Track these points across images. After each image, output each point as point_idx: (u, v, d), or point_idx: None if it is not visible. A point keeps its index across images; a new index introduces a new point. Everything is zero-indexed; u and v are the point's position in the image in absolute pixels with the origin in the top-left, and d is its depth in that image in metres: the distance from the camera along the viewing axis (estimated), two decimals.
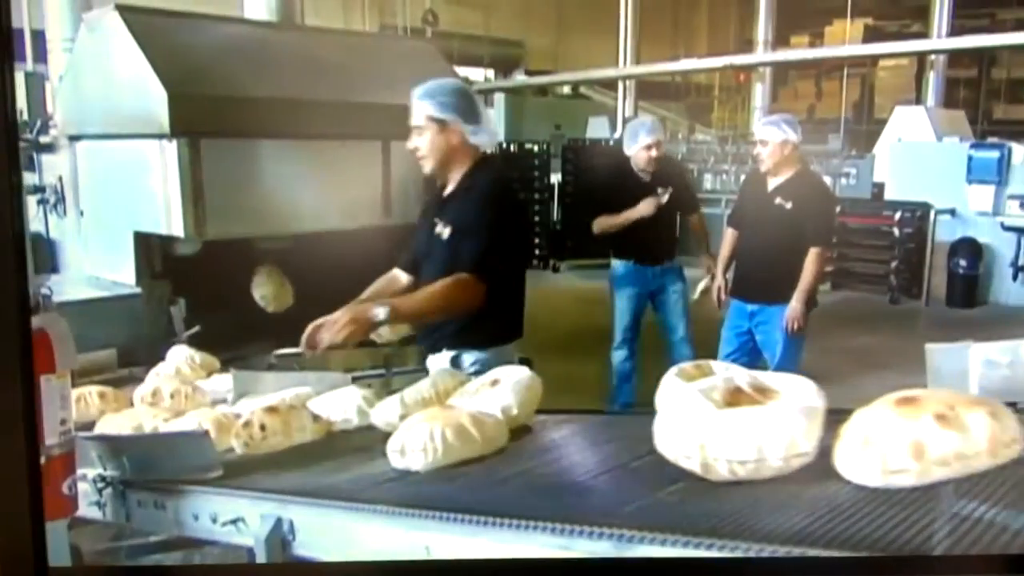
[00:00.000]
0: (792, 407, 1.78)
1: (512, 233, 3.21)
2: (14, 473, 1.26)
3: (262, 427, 2.56)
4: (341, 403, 2.81)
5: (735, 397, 1.87)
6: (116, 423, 2.87)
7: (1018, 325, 8.66)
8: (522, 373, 2.57)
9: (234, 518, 2.17)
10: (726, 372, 2.07)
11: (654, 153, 5.36)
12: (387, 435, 2.39)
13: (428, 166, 3.15)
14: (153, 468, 2.36)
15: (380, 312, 2.88)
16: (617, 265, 5.74)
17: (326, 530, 2.02)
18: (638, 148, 5.38)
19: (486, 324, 3.10)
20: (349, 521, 1.97)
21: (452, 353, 3.13)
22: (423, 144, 3.09)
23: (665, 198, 5.38)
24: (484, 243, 3.00)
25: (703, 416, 1.81)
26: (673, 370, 2.21)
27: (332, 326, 2.86)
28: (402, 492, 2.08)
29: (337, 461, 2.46)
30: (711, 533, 1.48)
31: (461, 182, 3.15)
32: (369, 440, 2.55)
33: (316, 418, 2.69)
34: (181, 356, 3.45)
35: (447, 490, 2.06)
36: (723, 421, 1.78)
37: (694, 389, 1.90)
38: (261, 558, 2.04)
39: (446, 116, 3.05)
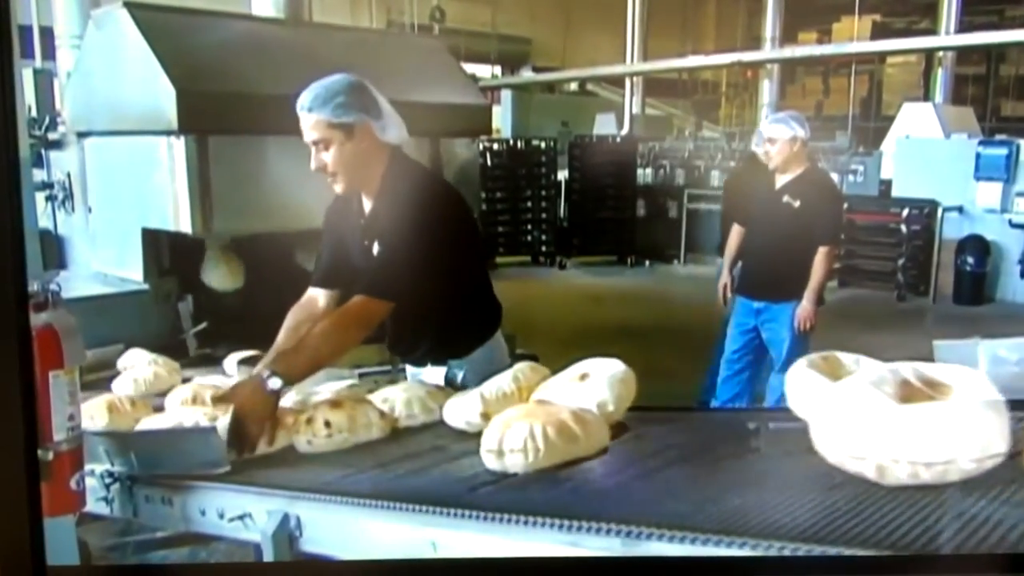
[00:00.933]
0: (979, 401, 1.64)
1: (451, 236, 2.73)
2: (12, 473, 1.26)
3: (327, 424, 2.44)
4: (405, 398, 2.65)
5: (906, 392, 1.72)
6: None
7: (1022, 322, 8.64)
8: (616, 366, 2.42)
9: (241, 514, 2.17)
10: (866, 364, 1.97)
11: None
12: (460, 433, 2.36)
13: (342, 185, 2.71)
14: (161, 464, 2.36)
15: (273, 382, 2.42)
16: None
17: (333, 526, 2.02)
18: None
19: (461, 330, 2.90)
20: (356, 517, 1.97)
21: (442, 368, 2.89)
22: (330, 160, 2.64)
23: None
24: (420, 262, 2.62)
25: (882, 413, 1.65)
26: (802, 363, 2.14)
27: (239, 432, 2.38)
28: (505, 497, 1.92)
29: (415, 461, 2.31)
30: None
31: (382, 189, 2.72)
32: (442, 438, 2.45)
33: (382, 414, 2.56)
34: (143, 359, 3.29)
35: (557, 495, 1.92)
36: (906, 418, 1.62)
37: (864, 382, 1.75)
38: (268, 554, 2.05)
39: (350, 119, 2.61)
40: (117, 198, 4.01)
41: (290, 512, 2.07)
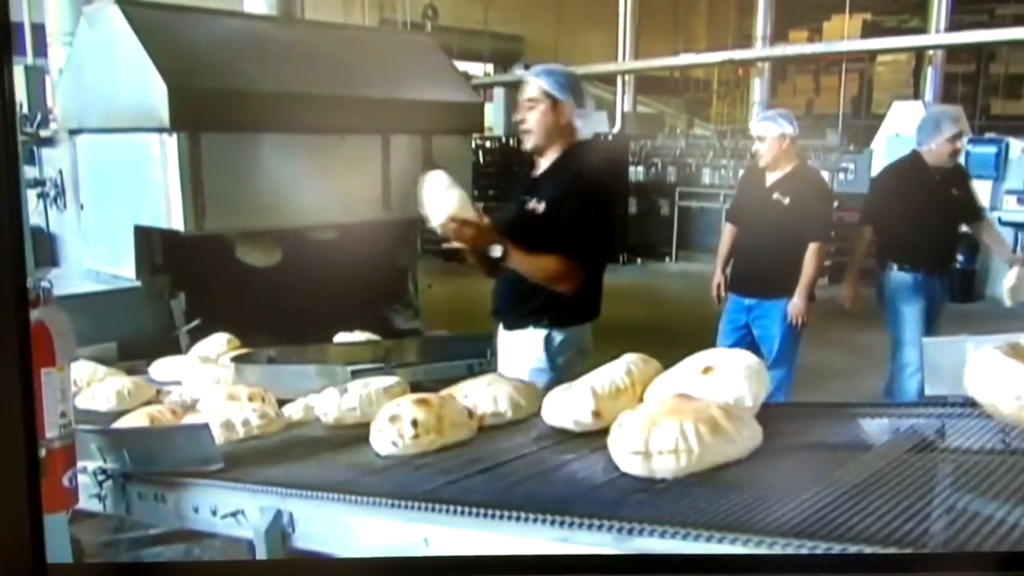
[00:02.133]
0: None
1: (603, 217, 3.30)
2: (13, 471, 1.26)
3: (414, 423, 2.28)
4: (490, 394, 2.53)
5: None
6: None
7: (1016, 320, 8.65)
8: (747, 357, 2.21)
9: (234, 510, 2.17)
10: None
11: (958, 145, 4.88)
12: (562, 432, 2.24)
13: (531, 141, 3.24)
14: (154, 461, 2.37)
15: (497, 250, 2.96)
16: (897, 277, 5.18)
17: (325, 522, 2.02)
18: (941, 140, 4.83)
19: (569, 303, 3.14)
20: (348, 513, 1.97)
21: (543, 331, 3.15)
22: (532, 118, 3.18)
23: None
24: (582, 226, 3.08)
25: None
26: (986, 350, 2.11)
27: (462, 229, 2.92)
28: (670, 507, 1.68)
29: (527, 466, 2.11)
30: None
31: (557, 161, 3.23)
32: (545, 439, 2.28)
33: (470, 413, 2.42)
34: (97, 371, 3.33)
35: (728, 504, 1.63)
36: None
37: None
38: (261, 550, 2.05)
39: (560, 95, 3.15)
40: (109, 195, 4.01)
41: (283, 508, 2.07)
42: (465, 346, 3.66)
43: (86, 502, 2.33)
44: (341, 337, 3.76)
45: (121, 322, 3.74)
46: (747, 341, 4.95)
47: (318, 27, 5.02)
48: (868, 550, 1.36)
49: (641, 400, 2.26)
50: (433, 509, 1.83)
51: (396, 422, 2.29)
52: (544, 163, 3.28)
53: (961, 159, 5.02)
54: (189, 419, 2.76)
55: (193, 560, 2.09)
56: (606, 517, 1.61)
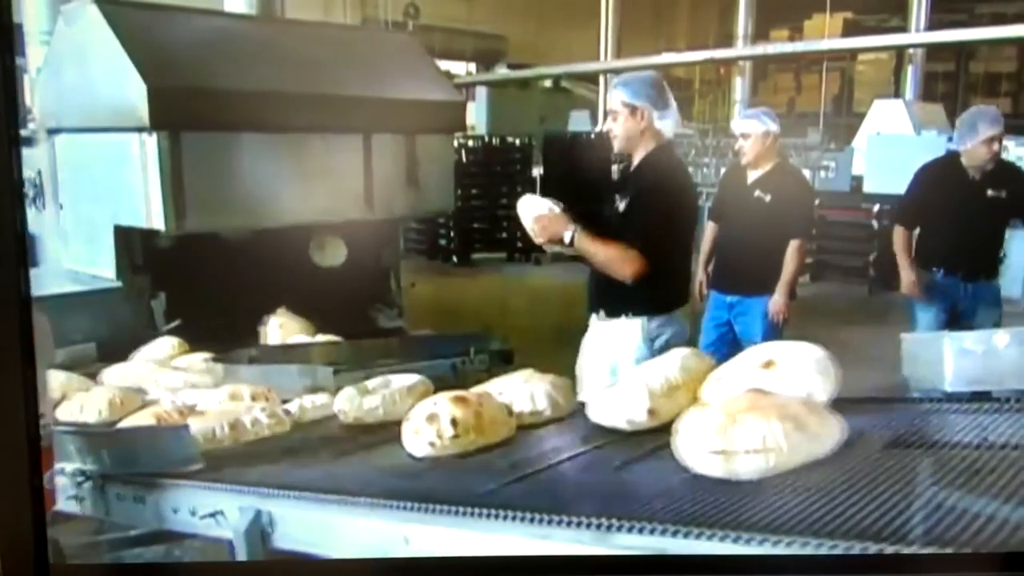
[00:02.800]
0: None
1: (679, 210, 3.49)
2: (15, 473, 1.26)
3: (453, 422, 2.17)
4: (526, 392, 2.44)
5: None
6: None
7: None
8: (815, 350, 2.12)
9: (213, 511, 2.17)
10: None
11: (996, 147, 4.80)
12: (609, 431, 2.15)
13: (617, 145, 3.52)
14: (132, 462, 2.36)
15: (568, 234, 3.28)
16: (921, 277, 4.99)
17: (305, 522, 2.02)
18: (978, 141, 4.77)
19: (659, 289, 3.38)
20: (328, 513, 1.97)
21: (641, 319, 3.39)
22: (616, 127, 3.46)
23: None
24: (651, 221, 3.33)
25: None
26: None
27: (541, 222, 3.37)
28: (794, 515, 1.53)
29: (578, 470, 2.04)
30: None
31: (642, 161, 3.48)
32: (592, 439, 2.18)
33: (509, 411, 2.33)
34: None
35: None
36: None
37: None
38: (240, 551, 2.05)
39: (637, 102, 3.41)
40: (88, 195, 3.98)
41: (262, 509, 2.06)
42: (449, 345, 3.65)
43: (64, 504, 2.32)
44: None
45: (101, 323, 3.72)
46: (728, 339, 4.96)
47: (299, 26, 5.00)
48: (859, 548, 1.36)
49: (696, 397, 2.19)
50: (413, 508, 1.82)
51: (434, 421, 2.18)
52: (633, 164, 3.54)
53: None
54: (195, 420, 2.67)
55: (194, 561, 2.07)
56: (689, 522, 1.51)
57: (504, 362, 3.62)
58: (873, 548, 1.35)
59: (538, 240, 3.41)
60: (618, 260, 3.30)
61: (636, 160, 3.51)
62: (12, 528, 1.27)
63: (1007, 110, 18.91)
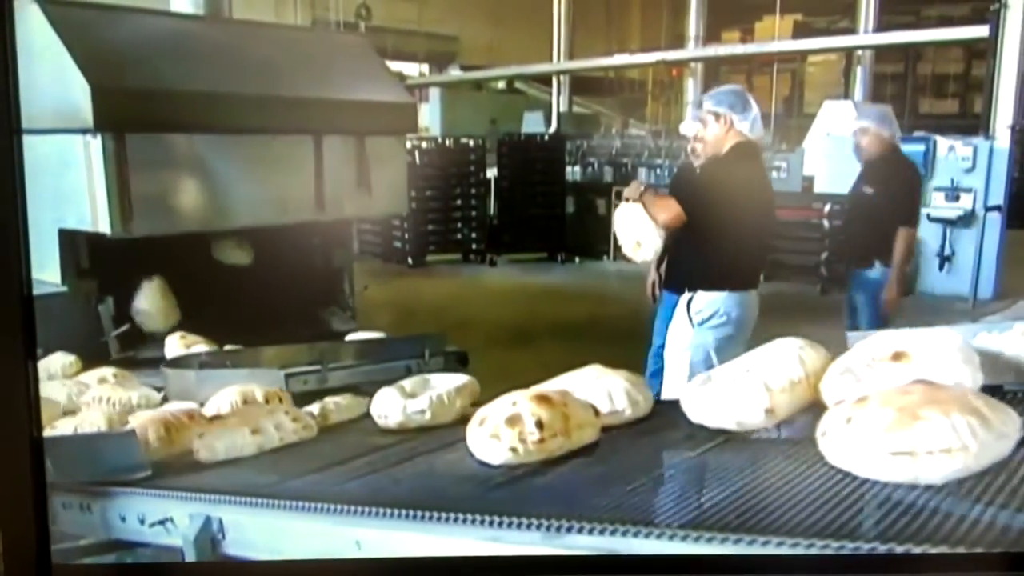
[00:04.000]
0: None
1: (731, 193, 3.98)
2: (17, 474, 1.25)
3: (539, 424, 1.93)
4: (602, 390, 2.26)
5: None
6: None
7: (944, 314, 8.85)
8: (954, 337, 1.91)
9: (162, 518, 2.13)
10: None
11: (863, 141, 5.20)
12: (715, 432, 1.98)
13: (706, 149, 4.12)
14: (78, 470, 2.31)
15: (638, 188, 3.98)
16: (876, 274, 5.21)
17: (255, 528, 1.99)
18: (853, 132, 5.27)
19: (702, 265, 4.05)
20: (278, 518, 1.94)
21: (689, 295, 4.06)
22: (705, 132, 4.08)
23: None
24: (696, 192, 4.07)
25: None
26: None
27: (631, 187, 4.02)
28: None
29: (690, 482, 1.83)
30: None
31: (723, 156, 4.05)
32: (696, 438, 2.01)
33: (596, 411, 2.12)
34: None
35: None
36: None
37: None
38: (190, 558, 2.01)
39: (720, 109, 4.00)
40: (32, 198, 3.90)
41: (212, 515, 2.03)
42: (403, 347, 3.63)
43: None
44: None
45: (47, 328, 3.64)
46: None
47: (247, 26, 4.95)
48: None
49: (816, 393, 2.00)
50: (364, 512, 1.80)
51: (516, 424, 1.93)
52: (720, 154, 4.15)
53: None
54: (218, 427, 2.53)
55: (203, 562, 2.01)
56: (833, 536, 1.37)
57: (459, 364, 3.61)
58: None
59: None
60: (660, 204, 3.92)
61: (722, 152, 4.07)
62: (14, 528, 1.26)
63: (954, 111, 19.26)
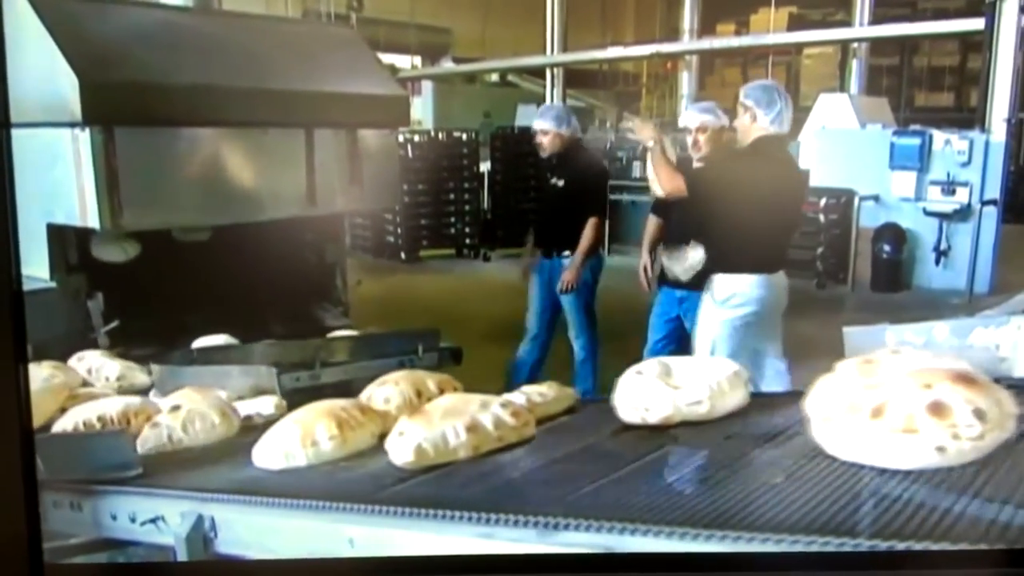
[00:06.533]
0: None
1: (737, 179, 4.26)
2: (8, 473, 1.26)
3: (978, 414, 1.51)
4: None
5: None
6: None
7: (940, 308, 8.85)
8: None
9: (153, 517, 2.11)
10: None
11: (542, 140, 5.50)
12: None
13: (738, 138, 4.43)
14: (69, 468, 2.29)
15: (652, 133, 4.36)
16: None
17: (248, 526, 1.97)
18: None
19: (721, 251, 4.38)
20: (271, 516, 1.92)
21: (747, 278, 4.27)
22: (736, 123, 4.41)
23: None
24: (703, 172, 4.54)
25: None
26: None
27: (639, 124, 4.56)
28: None
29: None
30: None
31: (745, 147, 4.36)
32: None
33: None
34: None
35: None
36: None
37: None
38: (182, 557, 2.00)
39: (747, 102, 4.25)
40: (20, 193, 3.86)
41: (204, 513, 2.01)
42: (396, 343, 3.62)
43: None
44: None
45: (35, 325, 3.61)
46: (678, 335, 4.97)
47: (238, 18, 4.90)
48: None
49: None
50: (356, 510, 1.78)
51: (944, 415, 1.50)
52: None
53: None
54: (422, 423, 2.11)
55: (202, 561, 1.99)
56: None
57: (454, 359, 3.59)
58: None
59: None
60: (667, 173, 4.28)
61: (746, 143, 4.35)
62: (5, 527, 1.24)
63: (949, 103, 19.26)
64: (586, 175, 5.62)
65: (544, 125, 5.43)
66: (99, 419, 2.65)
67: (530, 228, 6.02)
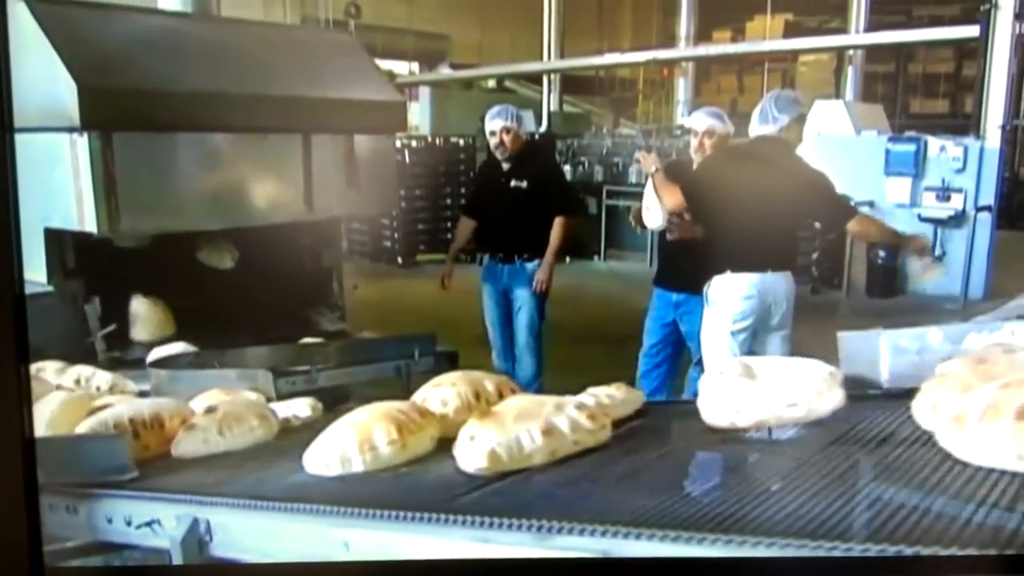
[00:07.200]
0: None
1: (721, 180, 4.36)
2: (8, 476, 1.25)
3: None
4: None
5: None
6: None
7: (934, 313, 8.87)
8: None
9: (149, 520, 2.11)
10: None
11: (500, 140, 5.34)
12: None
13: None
14: (64, 471, 2.29)
15: (653, 163, 4.55)
16: None
17: (243, 529, 1.97)
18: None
19: (716, 251, 4.31)
20: (266, 520, 1.93)
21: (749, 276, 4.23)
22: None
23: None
24: (693, 174, 4.60)
25: None
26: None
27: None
28: None
29: None
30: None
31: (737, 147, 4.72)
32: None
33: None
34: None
35: None
36: None
37: None
38: (177, 560, 2.00)
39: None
40: (19, 197, 3.88)
41: (199, 517, 2.01)
42: (392, 347, 3.63)
43: None
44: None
45: (33, 329, 3.61)
46: (674, 339, 4.98)
47: (235, 24, 4.92)
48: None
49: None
50: (351, 513, 1.79)
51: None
52: None
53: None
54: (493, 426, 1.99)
55: (202, 563, 1.98)
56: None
57: (450, 364, 3.60)
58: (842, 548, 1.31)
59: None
60: (667, 192, 4.40)
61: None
62: (7, 531, 1.25)
63: (944, 110, 19.30)
64: (549, 174, 5.60)
65: (504, 123, 5.27)
66: (130, 421, 2.55)
67: (454, 234, 6.01)
